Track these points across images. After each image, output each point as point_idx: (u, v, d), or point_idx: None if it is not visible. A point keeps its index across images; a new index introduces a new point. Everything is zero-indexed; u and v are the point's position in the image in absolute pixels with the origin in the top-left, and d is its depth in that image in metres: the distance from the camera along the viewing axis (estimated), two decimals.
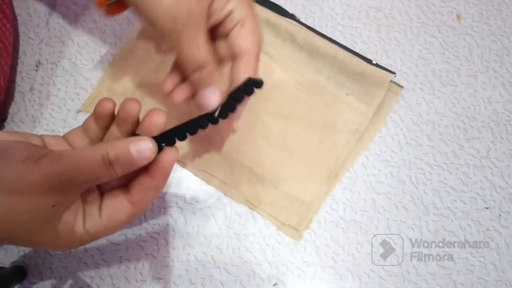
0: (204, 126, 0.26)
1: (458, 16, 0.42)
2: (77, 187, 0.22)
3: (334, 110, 0.37)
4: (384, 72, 0.38)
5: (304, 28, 0.39)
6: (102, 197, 0.25)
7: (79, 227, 0.23)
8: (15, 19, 0.40)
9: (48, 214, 0.21)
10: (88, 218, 0.23)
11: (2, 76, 0.36)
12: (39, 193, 0.20)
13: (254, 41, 0.27)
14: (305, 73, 0.38)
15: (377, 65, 0.38)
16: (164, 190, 0.36)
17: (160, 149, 0.24)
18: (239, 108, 0.27)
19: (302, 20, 0.41)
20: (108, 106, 0.25)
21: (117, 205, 0.24)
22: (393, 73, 0.38)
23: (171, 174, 0.36)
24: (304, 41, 0.38)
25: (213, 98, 0.26)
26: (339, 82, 0.38)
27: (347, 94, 0.38)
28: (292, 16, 0.40)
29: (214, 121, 0.26)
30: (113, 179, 0.23)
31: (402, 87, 0.39)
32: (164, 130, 0.24)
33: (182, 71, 0.28)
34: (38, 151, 0.21)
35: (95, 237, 0.24)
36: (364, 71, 0.38)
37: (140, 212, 0.25)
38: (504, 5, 0.42)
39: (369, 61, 0.38)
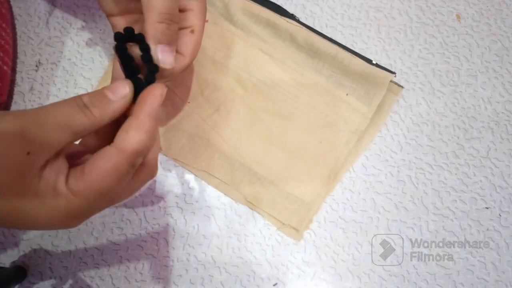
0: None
1: (458, 16, 0.42)
2: (52, 130, 0.20)
3: (334, 110, 0.37)
4: (384, 72, 0.38)
5: (304, 28, 0.39)
6: None
7: (61, 185, 0.20)
8: (13, 19, 0.40)
9: (22, 164, 0.19)
10: (71, 175, 0.21)
11: (2, 77, 0.36)
12: (9, 136, 0.18)
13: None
14: (305, 73, 0.38)
15: (377, 65, 0.38)
16: (164, 190, 0.36)
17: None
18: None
19: (302, 20, 0.41)
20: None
21: (99, 153, 0.21)
22: (393, 73, 0.38)
23: (172, 174, 0.36)
24: (304, 41, 0.38)
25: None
26: (339, 82, 0.38)
27: (347, 94, 0.38)
28: (292, 16, 0.40)
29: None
30: (95, 124, 0.21)
31: (402, 87, 0.39)
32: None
33: None
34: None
35: (82, 197, 0.20)
36: (364, 71, 0.38)
37: (128, 161, 0.21)
38: (504, 5, 0.42)
39: (369, 61, 0.38)
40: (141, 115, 0.22)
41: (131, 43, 0.24)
